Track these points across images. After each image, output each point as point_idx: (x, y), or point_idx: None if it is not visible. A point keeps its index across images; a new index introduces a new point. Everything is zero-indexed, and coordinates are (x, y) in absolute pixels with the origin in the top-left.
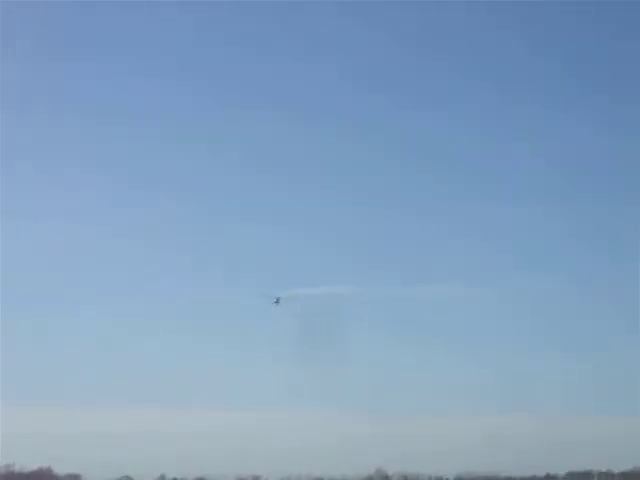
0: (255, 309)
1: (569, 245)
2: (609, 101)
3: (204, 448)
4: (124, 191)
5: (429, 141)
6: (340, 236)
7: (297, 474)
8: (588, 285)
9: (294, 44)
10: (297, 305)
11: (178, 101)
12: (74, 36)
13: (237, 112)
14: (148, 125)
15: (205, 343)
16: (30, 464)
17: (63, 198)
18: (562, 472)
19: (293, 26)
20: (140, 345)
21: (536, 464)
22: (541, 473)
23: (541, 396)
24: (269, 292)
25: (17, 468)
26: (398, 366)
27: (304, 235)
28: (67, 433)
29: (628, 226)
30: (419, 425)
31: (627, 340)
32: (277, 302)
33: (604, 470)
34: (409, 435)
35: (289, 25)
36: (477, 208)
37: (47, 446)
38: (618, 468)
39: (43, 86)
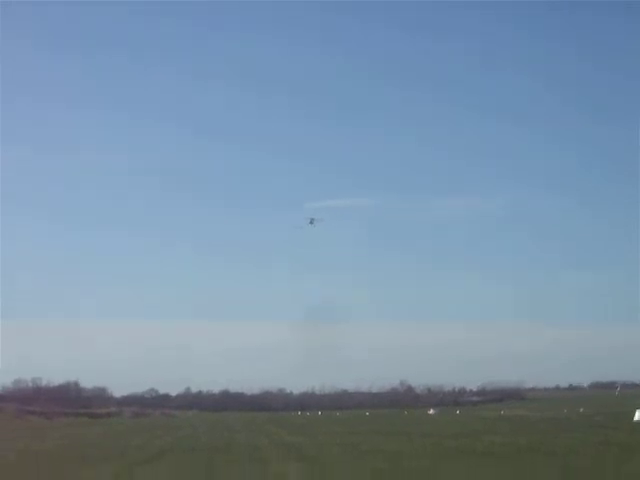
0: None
1: (578, 167)
2: None
3: (228, 362)
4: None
5: (426, 64)
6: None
7: (321, 385)
8: (601, 205)
9: None
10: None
11: None
12: None
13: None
14: None
15: (234, 263)
16: (57, 378)
17: None
18: (585, 383)
19: None
20: (169, 264)
21: (558, 375)
22: (564, 384)
23: (558, 307)
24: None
25: (44, 382)
26: (418, 277)
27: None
28: (93, 346)
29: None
30: (440, 335)
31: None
32: (312, 222)
33: (628, 381)
34: (433, 346)
35: None
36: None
37: (74, 360)
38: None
39: None
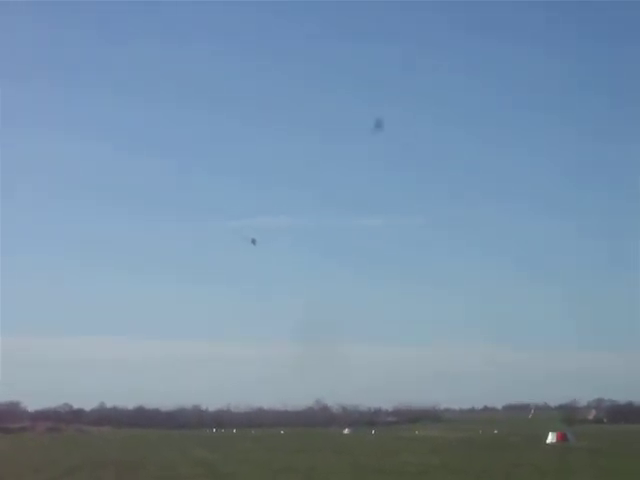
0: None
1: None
2: None
3: (144, 377)
4: None
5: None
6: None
7: (236, 404)
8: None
9: None
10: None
11: None
12: None
13: None
14: None
15: (144, 275)
16: None
17: None
18: (499, 405)
19: None
20: (81, 278)
21: (474, 397)
22: (479, 405)
23: (474, 328)
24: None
25: None
26: (336, 295)
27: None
28: (6, 361)
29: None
30: (357, 354)
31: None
32: (254, 242)
33: (541, 403)
34: (349, 365)
35: None
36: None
37: None
38: (554, 401)
39: None
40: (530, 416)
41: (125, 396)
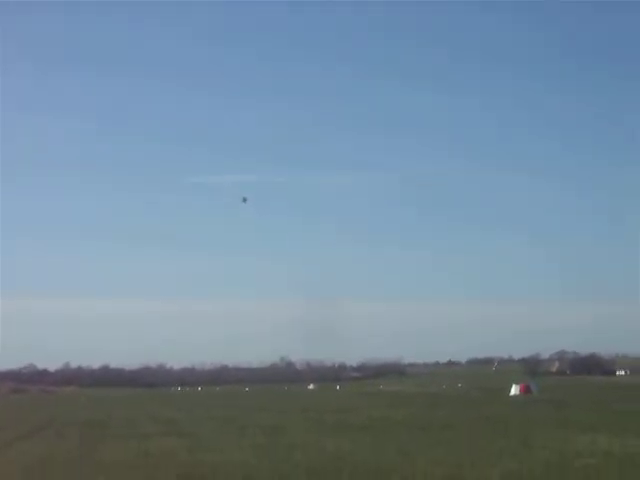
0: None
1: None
2: None
3: (109, 336)
4: None
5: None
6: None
7: (202, 361)
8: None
9: None
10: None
11: None
12: None
13: None
14: None
15: (109, 243)
16: None
17: None
18: (464, 359)
19: None
20: (48, 242)
21: (439, 352)
22: (443, 359)
23: (439, 284)
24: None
25: None
26: (304, 254)
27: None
28: None
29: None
30: (321, 311)
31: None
32: (244, 201)
33: (504, 357)
34: (314, 321)
35: None
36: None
37: None
38: (518, 354)
39: None
40: (494, 369)
41: (90, 356)
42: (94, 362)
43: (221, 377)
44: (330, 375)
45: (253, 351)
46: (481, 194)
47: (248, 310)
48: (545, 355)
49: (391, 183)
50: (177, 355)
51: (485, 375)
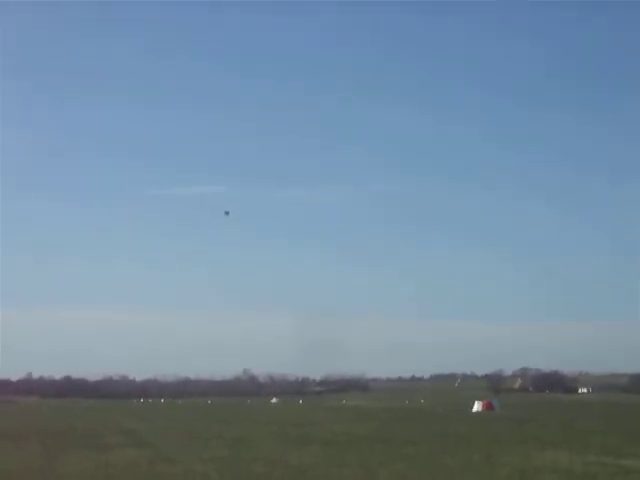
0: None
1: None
2: None
3: (71, 348)
4: None
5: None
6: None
7: (164, 373)
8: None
9: None
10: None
11: None
12: None
13: None
14: None
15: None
16: None
17: None
18: (426, 374)
19: None
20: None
21: (402, 367)
22: (406, 375)
23: (401, 300)
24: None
25: None
26: (265, 265)
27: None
28: None
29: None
30: (283, 324)
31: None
32: (227, 214)
33: (467, 373)
34: (276, 335)
35: None
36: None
37: None
38: (482, 371)
39: None
40: (457, 385)
41: (52, 366)
42: (56, 372)
43: (184, 389)
44: (293, 389)
45: (216, 364)
46: (452, 210)
47: (211, 322)
48: (508, 372)
49: (361, 198)
50: (140, 367)
51: (448, 391)
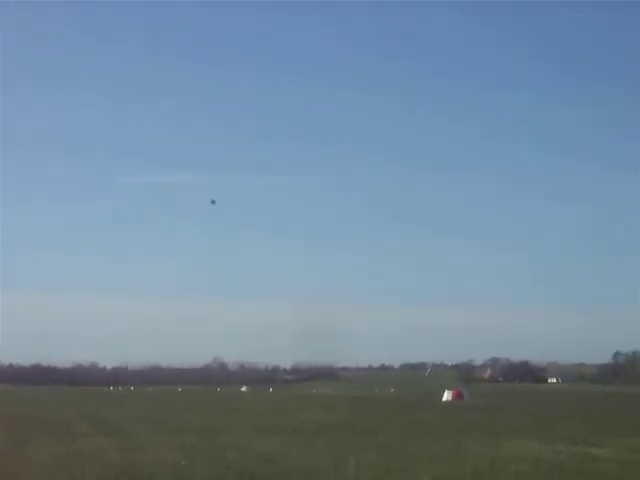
0: None
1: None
2: None
3: (41, 334)
4: None
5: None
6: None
7: (134, 361)
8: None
9: None
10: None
11: None
12: None
13: None
14: None
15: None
16: None
17: None
18: (397, 364)
19: None
20: None
21: (372, 356)
22: (376, 364)
23: (370, 287)
24: None
25: None
26: (238, 253)
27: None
28: None
29: None
30: (254, 312)
31: None
32: (213, 203)
33: (437, 362)
34: (247, 323)
35: None
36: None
37: None
38: (451, 360)
39: None
40: (427, 374)
41: (21, 353)
42: (25, 360)
43: (153, 377)
44: (263, 378)
45: (186, 351)
46: (434, 198)
47: (181, 310)
48: (478, 362)
49: (331, 185)
50: (109, 354)
51: (418, 380)
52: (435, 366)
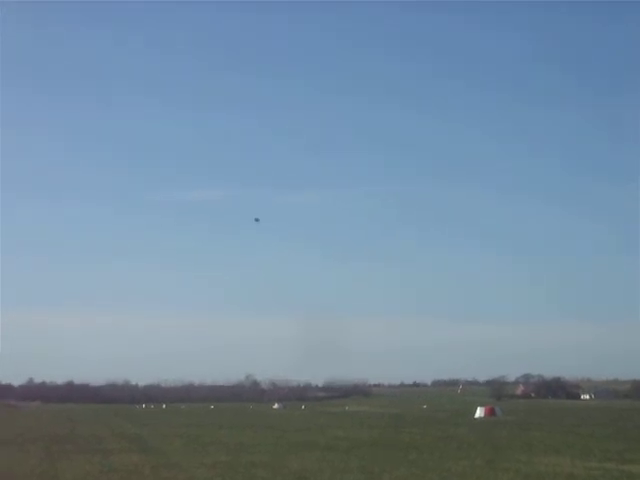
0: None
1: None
2: None
3: (74, 352)
4: None
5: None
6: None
7: (167, 378)
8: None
9: None
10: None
11: None
12: None
13: None
14: None
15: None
16: None
17: None
18: (429, 380)
19: None
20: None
21: (404, 373)
22: (409, 381)
23: (404, 304)
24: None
25: None
26: (273, 271)
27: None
28: None
29: None
30: (285, 330)
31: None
32: (257, 220)
33: (470, 379)
34: (278, 340)
35: None
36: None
37: None
38: (484, 377)
39: None
40: (459, 391)
41: (55, 371)
42: (58, 378)
43: (187, 395)
44: (295, 395)
45: (218, 369)
46: (458, 211)
47: (214, 327)
48: (510, 378)
49: (358, 199)
50: (142, 372)
51: (450, 397)
52: (467, 383)
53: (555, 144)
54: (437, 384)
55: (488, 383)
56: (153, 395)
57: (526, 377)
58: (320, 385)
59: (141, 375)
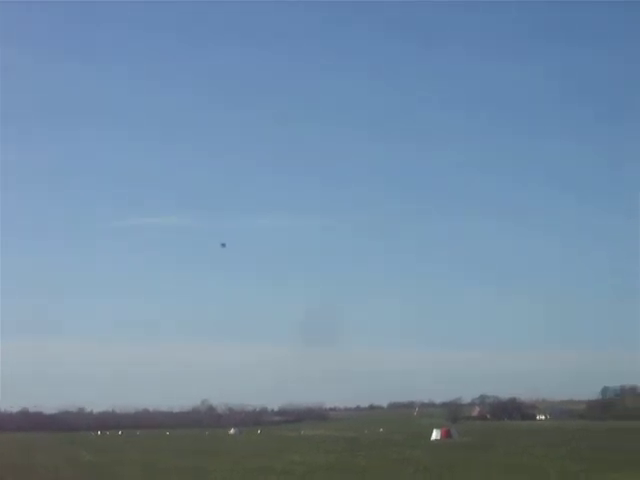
0: None
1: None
2: None
3: (26, 380)
4: None
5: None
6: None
7: (122, 405)
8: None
9: None
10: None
11: None
12: None
13: None
14: None
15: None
16: None
17: None
18: (385, 403)
19: None
20: None
21: (358, 397)
22: (365, 404)
23: (356, 329)
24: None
25: None
26: (225, 297)
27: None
28: None
29: None
30: (242, 355)
31: None
32: (224, 245)
33: (426, 401)
34: (235, 366)
35: None
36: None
37: None
38: (440, 399)
39: None
40: (415, 414)
41: (7, 400)
42: (12, 406)
43: (142, 421)
44: (251, 419)
45: (173, 395)
46: (424, 238)
47: (168, 353)
48: (466, 399)
49: (324, 226)
50: (97, 399)
51: (407, 419)
52: (423, 405)
53: (549, 172)
54: (393, 407)
55: (444, 405)
56: (108, 422)
57: (482, 398)
58: (276, 409)
59: (95, 402)
